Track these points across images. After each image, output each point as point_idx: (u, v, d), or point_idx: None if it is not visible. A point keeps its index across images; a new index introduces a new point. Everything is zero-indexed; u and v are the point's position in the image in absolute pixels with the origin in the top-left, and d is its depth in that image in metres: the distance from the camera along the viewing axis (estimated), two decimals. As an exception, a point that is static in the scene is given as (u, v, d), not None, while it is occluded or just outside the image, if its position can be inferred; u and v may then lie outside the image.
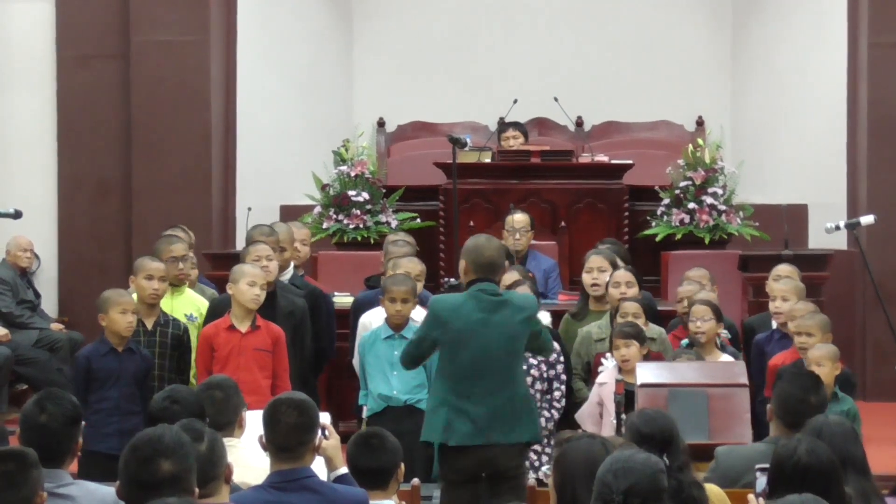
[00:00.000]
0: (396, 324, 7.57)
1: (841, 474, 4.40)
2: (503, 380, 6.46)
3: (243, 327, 7.26)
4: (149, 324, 7.31)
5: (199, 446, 4.29)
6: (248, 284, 7.24)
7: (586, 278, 8.20)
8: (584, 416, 7.38)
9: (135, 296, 7.31)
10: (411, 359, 6.70)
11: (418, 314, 7.72)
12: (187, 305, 7.76)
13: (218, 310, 7.55)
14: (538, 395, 7.42)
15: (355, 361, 7.94)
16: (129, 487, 4.00)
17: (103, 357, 7.04)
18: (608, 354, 7.44)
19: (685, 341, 7.60)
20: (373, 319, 7.86)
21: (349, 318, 8.37)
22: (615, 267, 8.10)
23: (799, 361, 7.26)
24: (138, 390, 7.03)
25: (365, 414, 7.62)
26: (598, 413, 7.28)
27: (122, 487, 4.03)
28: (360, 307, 8.24)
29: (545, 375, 7.51)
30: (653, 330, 7.64)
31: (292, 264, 8.27)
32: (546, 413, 7.47)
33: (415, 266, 7.90)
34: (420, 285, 7.84)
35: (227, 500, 4.42)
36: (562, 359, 7.55)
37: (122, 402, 6.97)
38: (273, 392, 7.03)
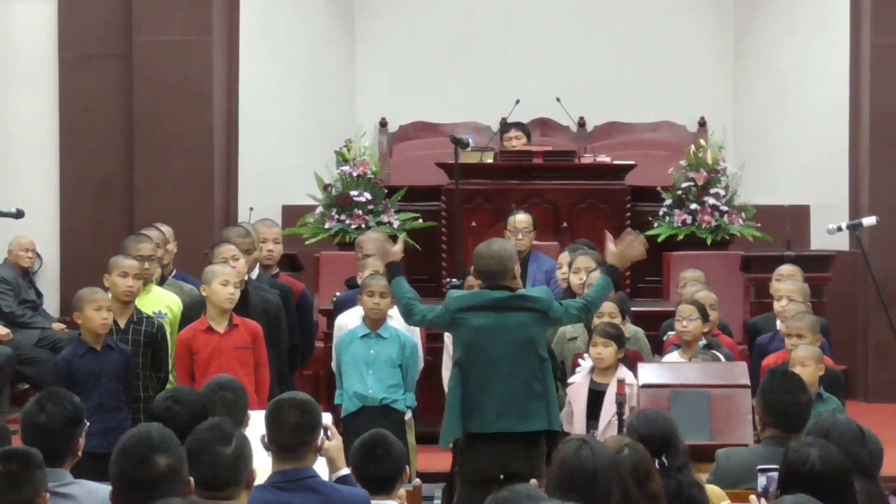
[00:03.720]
0: (374, 319, 7.58)
1: (852, 479, 4.38)
2: (517, 369, 6.53)
3: (221, 327, 7.26)
4: (122, 322, 7.26)
5: (225, 449, 4.21)
6: (220, 284, 7.24)
7: (574, 279, 8.23)
8: (563, 416, 7.43)
9: (109, 294, 7.30)
10: (414, 309, 6.73)
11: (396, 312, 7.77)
12: (155, 303, 7.71)
13: (192, 312, 7.54)
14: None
15: (334, 363, 7.95)
16: (127, 490, 3.98)
17: (82, 358, 7.00)
18: (585, 354, 7.48)
19: (703, 342, 7.61)
20: (348, 321, 7.89)
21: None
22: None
23: (785, 363, 7.26)
24: (121, 386, 7.01)
25: (342, 414, 7.62)
26: (570, 412, 7.32)
27: (117, 493, 4.01)
28: (340, 307, 8.25)
29: None
30: (629, 329, 7.68)
31: (258, 265, 8.24)
32: None
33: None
34: None
35: None
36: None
37: (105, 399, 6.92)
38: (255, 387, 7.06)
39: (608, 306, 7.56)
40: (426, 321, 6.82)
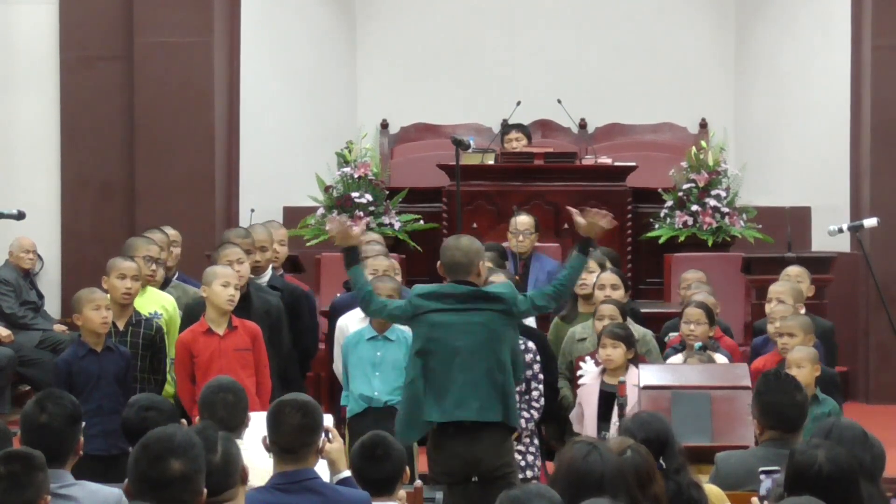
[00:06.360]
0: (382, 322, 7.57)
1: (859, 480, 4.37)
2: (478, 361, 6.43)
3: (221, 329, 7.24)
4: (121, 324, 7.26)
5: (213, 457, 4.19)
6: (221, 286, 7.23)
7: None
8: (573, 417, 7.42)
9: (108, 295, 7.30)
10: (374, 299, 6.72)
11: None
12: (151, 303, 7.70)
13: (194, 313, 7.51)
14: (516, 396, 7.37)
15: (336, 365, 7.94)
16: (139, 485, 3.99)
17: (82, 360, 6.98)
18: (587, 357, 7.45)
19: (698, 344, 7.59)
20: (349, 322, 7.86)
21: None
22: (603, 268, 8.12)
23: (780, 365, 7.24)
24: (120, 388, 6.98)
25: (347, 415, 7.62)
26: (581, 413, 7.31)
27: (131, 485, 4.02)
28: (338, 310, 8.24)
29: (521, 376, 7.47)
30: (638, 331, 7.64)
31: (270, 266, 8.26)
32: (525, 413, 7.39)
33: (381, 262, 7.94)
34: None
35: (243, 501, 4.37)
36: (538, 358, 7.47)
37: (104, 402, 6.89)
38: (256, 389, 7.06)
39: (608, 309, 7.51)
40: (386, 311, 6.76)
